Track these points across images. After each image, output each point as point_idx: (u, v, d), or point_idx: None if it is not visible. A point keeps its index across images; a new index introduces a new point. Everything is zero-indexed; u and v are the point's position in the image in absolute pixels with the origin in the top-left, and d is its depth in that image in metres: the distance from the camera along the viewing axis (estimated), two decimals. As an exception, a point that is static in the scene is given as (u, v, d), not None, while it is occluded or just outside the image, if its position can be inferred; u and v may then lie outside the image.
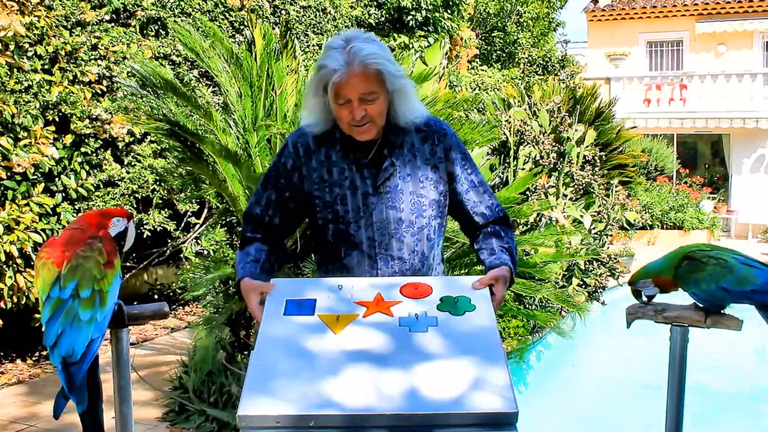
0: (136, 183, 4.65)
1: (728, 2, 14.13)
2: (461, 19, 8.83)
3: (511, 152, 6.12)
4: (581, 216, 6.36)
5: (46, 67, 4.18)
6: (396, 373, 1.26)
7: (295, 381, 1.25)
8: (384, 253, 1.70)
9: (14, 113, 3.89)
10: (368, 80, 1.58)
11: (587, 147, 6.72)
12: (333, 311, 1.43)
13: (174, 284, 5.69)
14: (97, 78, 4.42)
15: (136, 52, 4.69)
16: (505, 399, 1.20)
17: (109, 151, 4.57)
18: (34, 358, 4.69)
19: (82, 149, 4.38)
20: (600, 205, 6.69)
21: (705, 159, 14.77)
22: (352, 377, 1.25)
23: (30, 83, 4.02)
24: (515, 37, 12.68)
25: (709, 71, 13.32)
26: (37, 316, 4.18)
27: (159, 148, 4.76)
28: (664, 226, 11.89)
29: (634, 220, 7.96)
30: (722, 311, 1.97)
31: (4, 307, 3.96)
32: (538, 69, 13.02)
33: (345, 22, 7.07)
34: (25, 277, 3.95)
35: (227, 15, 5.76)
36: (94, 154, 4.46)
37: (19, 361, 4.65)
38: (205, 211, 5.55)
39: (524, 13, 12.96)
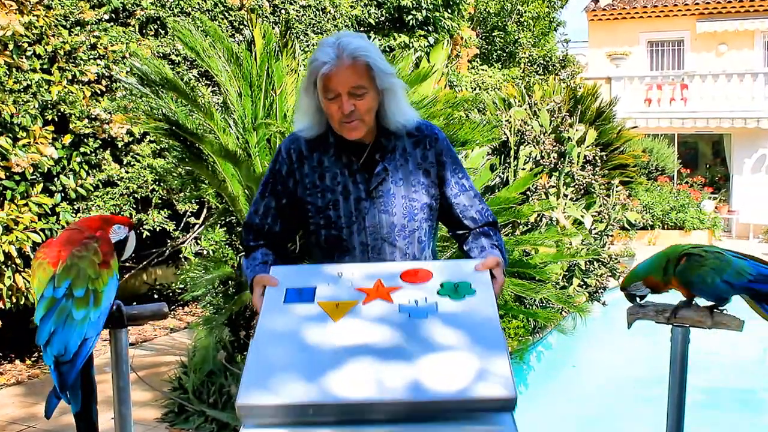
0: (135, 183, 4.64)
1: (729, 2, 14.11)
2: (461, 18, 8.81)
3: (512, 152, 6.11)
4: (582, 216, 6.34)
5: (45, 66, 4.17)
6: (396, 361, 1.25)
7: (294, 371, 1.24)
8: (377, 257, 1.70)
9: (13, 113, 3.89)
10: (357, 74, 1.59)
11: (588, 147, 6.71)
12: (333, 299, 1.42)
13: (173, 284, 5.68)
14: (96, 77, 4.41)
15: (135, 51, 4.68)
16: (505, 385, 1.19)
17: (108, 151, 4.56)
18: (32, 359, 4.68)
19: (81, 149, 4.37)
20: (601, 206, 6.68)
21: (706, 159, 14.75)
22: (351, 367, 1.24)
23: (29, 83, 4.01)
24: (516, 37, 12.67)
25: (710, 71, 13.30)
26: (36, 316, 4.17)
27: (158, 147, 4.75)
28: (665, 226, 11.87)
29: (635, 221, 7.95)
30: (724, 309, 1.97)
31: (2, 307, 3.95)
32: (538, 69, 13.00)
33: (345, 21, 7.06)
34: (24, 278, 3.94)
35: (227, 14, 5.75)
36: (93, 154, 4.45)
37: (17, 361, 4.64)
38: (205, 211, 5.54)
39: (525, 12, 12.94)
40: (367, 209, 1.69)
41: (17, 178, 3.97)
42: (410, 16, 8.01)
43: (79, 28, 4.45)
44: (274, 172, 1.75)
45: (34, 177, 4.06)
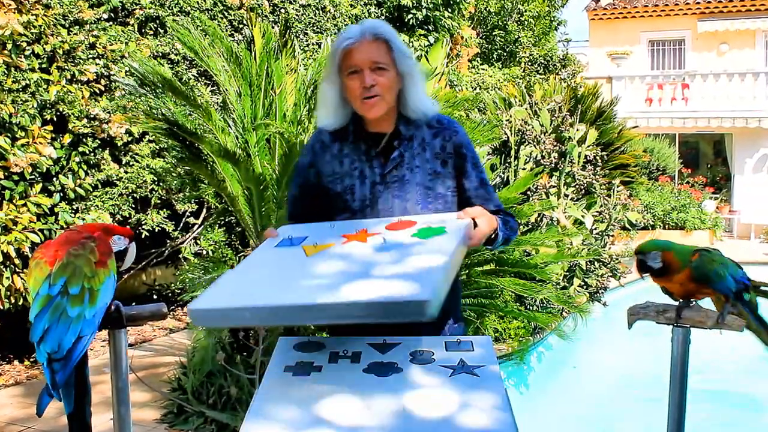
0: (134, 183, 4.63)
1: (730, 1, 14.09)
2: (462, 17, 8.80)
3: (512, 152, 6.10)
4: (582, 216, 6.33)
5: (43, 66, 4.15)
6: (337, 278, 1.31)
7: (246, 284, 1.37)
8: None
9: (12, 113, 3.87)
10: (379, 50, 1.65)
11: (589, 147, 6.69)
12: (315, 243, 1.51)
13: (172, 285, 5.67)
14: (95, 77, 4.40)
15: (134, 50, 4.66)
16: (420, 288, 1.20)
17: (107, 151, 4.55)
18: (31, 360, 4.67)
19: (80, 149, 4.36)
20: (601, 206, 6.66)
21: (707, 159, 14.73)
22: (298, 282, 1.33)
23: (27, 82, 4.00)
24: (516, 36, 12.65)
25: (711, 70, 13.28)
26: (34, 317, 4.16)
27: (157, 147, 4.74)
28: (666, 226, 11.85)
29: (636, 221, 7.93)
30: (735, 305, 1.97)
31: (1, 308, 3.94)
32: (539, 68, 12.99)
33: (344, 20, 7.04)
34: (22, 278, 3.93)
35: (226, 13, 5.74)
36: (92, 154, 4.44)
37: (16, 362, 4.63)
38: (204, 211, 5.53)
39: (525, 11, 12.92)
40: (380, 193, 1.71)
41: (16, 178, 3.96)
42: (410, 16, 8.00)
43: (78, 27, 4.43)
44: (298, 166, 1.84)
45: (33, 177, 4.05)
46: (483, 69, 10.97)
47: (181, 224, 5.42)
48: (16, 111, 3.90)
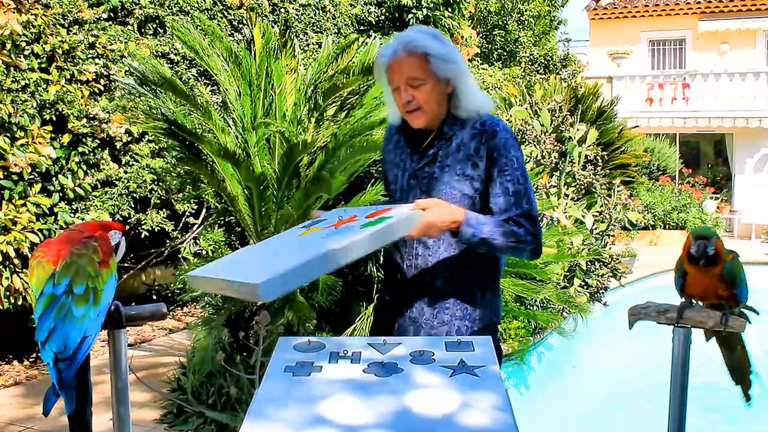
0: (134, 183, 4.62)
1: (731, 1, 14.08)
2: (462, 17, 8.79)
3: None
4: (583, 216, 6.32)
5: (43, 65, 4.15)
6: (274, 248, 1.62)
7: (238, 257, 1.66)
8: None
9: (11, 112, 3.87)
10: (412, 65, 1.71)
11: (589, 146, 6.68)
12: (314, 226, 1.69)
13: (172, 285, 5.66)
14: (94, 77, 4.39)
15: (133, 50, 4.66)
16: (258, 276, 1.37)
17: (106, 151, 4.54)
18: (31, 360, 4.66)
19: (80, 149, 4.35)
20: (602, 205, 6.65)
21: (708, 159, 14.72)
22: (272, 251, 1.59)
23: (27, 82, 3.99)
24: (516, 36, 12.64)
25: (711, 70, 13.27)
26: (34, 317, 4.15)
27: (157, 147, 4.73)
28: (667, 226, 11.85)
29: (637, 221, 7.91)
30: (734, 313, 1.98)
31: (0, 308, 3.93)
32: (539, 68, 12.98)
33: (344, 20, 7.04)
34: (21, 278, 3.92)
35: (226, 13, 5.73)
36: (92, 154, 4.43)
37: (16, 362, 4.63)
38: (204, 211, 5.52)
39: (525, 11, 12.92)
40: (413, 187, 1.81)
41: (15, 178, 3.95)
42: (410, 15, 7.99)
43: (77, 27, 4.43)
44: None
45: (32, 177, 4.04)
46: (483, 69, 10.96)
47: (181, 224, 5.42)
48: (16, 111, 3.90)
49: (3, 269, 3.85)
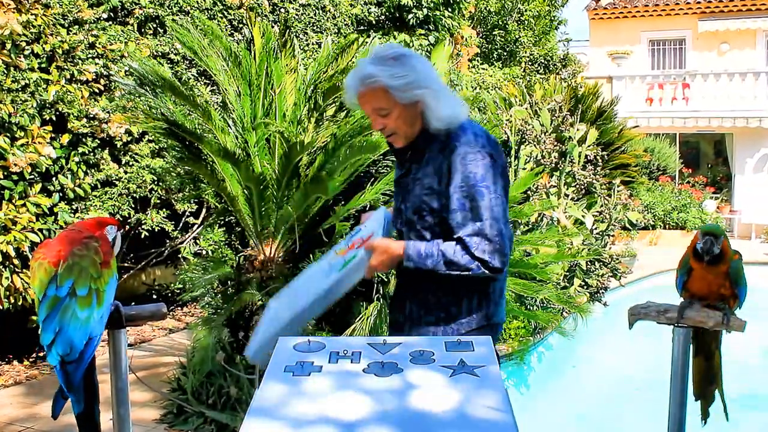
0: (134, 183, 4.62)
1: (731, 0, 14.07)
2: (462, 17, 8.79)
3: (513, 152, 6.09)
4: (583, 216, 6.32)
5: (43, 65, 4.15)
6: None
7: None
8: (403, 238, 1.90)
9: (11, 112, 3.87)
10: (375, 98, 1.76)
11: (589, 146, 6.68)
12: (342, 247, 1.93)
13: (172, 285, 5.66)
14: (94, 77, 4.39)
15: (133, 50, 4.66)
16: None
17: (106, 151, 4.54)
18: (31, 360, 4.66)
19: (80, 149, 4.35)
20: (602, 205, 6.65)
21: (708, 159, 14.71)
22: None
23: (27, 82, 3.99)
24: (516, 36, 12.64)
25: (711, 70, 13.26)
26: (34, 317, 4.14)
27: (157, 147, 4.73)
28: (667, 226, 11.84)
29: (637, 221, 7.91)
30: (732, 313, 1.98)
31: (1, 308, 3.93)
32: (539, 68, 12.98)
33: (344, 20, 7.03)
34: (21, 278, 3.92)
35: (226, 13, 5.73)
36: (92, 154, 4.43)
37: (16, 362, 4.62)
38: (204, 211, 5.52)
39: (525, 11, 12.91)
40: (396, 194, 1.94)
41: (15, 177, 3.95)
42: (410, 15, 7.98)
43: (77, 26, 4.42)
44: None
45: (32, 177, 4.04)
46: (483, 68, 10.96)
47: (181, 224, 5.41)
48: (16, 111, 3.90)
49: (3, 269, 3.85)
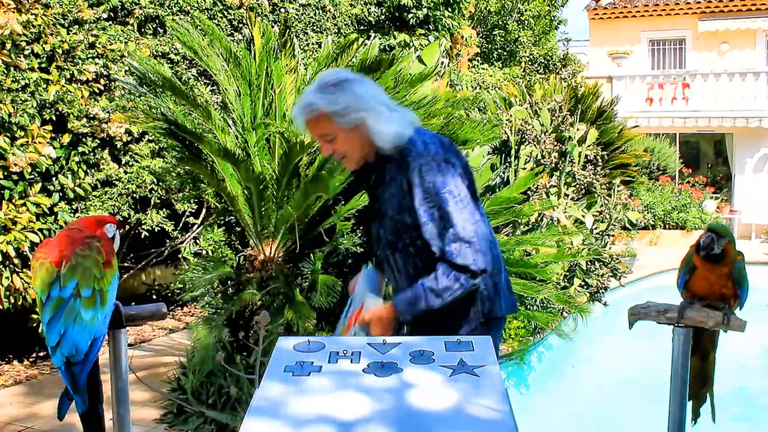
0: (134, 183, 4.62)
1: (731, 0, 14.07)
2: (462, 17, 8.79)
3: (513, 151, 6.09)
4: (583, 216, 6.32)
5: (43, 65, 4.14)
6: None
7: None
8: (384, 266, 1.95)
9: (11, 112, 3.87)
10: (318, 125, 1.80)
11: (589, 146, 6.68)
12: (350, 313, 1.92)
13: (172, 285, 5.66)
14: (94, 77, 4.39)
15: (133, 50, 4.65)
16: None
17: (106, 151, 4.54)
18: (31, 359, 4.66)
19: (80, 148, 4.35)
20: (602, 205, 6.65)
21: (708, 158, 14.71)
22: None
23: (27, 82, 3.99)
24: (516, 36, 12.64)
25: (711, 70, 13.26)
26: (34, 316, 4.15)
27: (157, 147, 4.73)
28: (667, 226, 11.84)
29: (637, 220, 7.92)
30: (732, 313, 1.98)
31: (1, 308, 3.93)
32: (539, 67, 12.98)
33: (344, 20, 7.03)
34: (22, 278, 3.92)
35: (226, 13, 5.73)
36: (92, 154, 4.43)
37: (16, 362, 4.63)
38: (204, 210, 5.52)
39: (525, 11, 12.91)
40: (372, 223, 1.95)
41: (15, 177, 3.95)
42: (410, 15, 7.99)
43: (77, 26, 4.42)
44: None
45: (32, 177, 4.04)
46: (483, 68, 10.96)
47: (181, 224, 5.41)
48: (16, 111, 3.90)
49: (3, 269, 3.85)
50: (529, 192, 5.90)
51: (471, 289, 1.78)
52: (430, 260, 1.79)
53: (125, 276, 5.47)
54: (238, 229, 3.96)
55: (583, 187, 6.54)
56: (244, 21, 5.69)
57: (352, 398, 1.22)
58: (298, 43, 4.45)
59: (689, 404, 2.18)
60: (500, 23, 12.57)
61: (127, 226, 4.83)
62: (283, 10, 6.26)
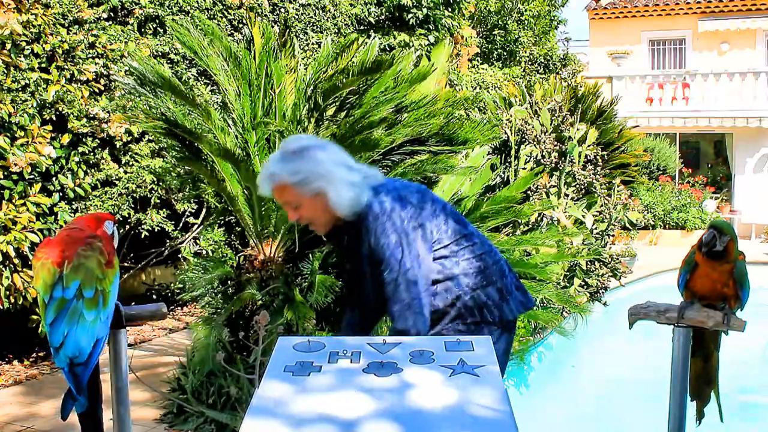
0: (134, 183, 4.62)
1: (731, 0, 14.07)
2: (462, 17, 8.79)
3: (512, 151, 6.09)
4: (583, 216, 6.32)
5: (43, 65, 4.15)
6: None
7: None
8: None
9: (11, 112, 3.87)
10: (283, 193, 1.84)
11: (589, 146, 6.68)
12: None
13: (172, 285, 5.66)
14: (94, 76, 4.39)
15: (133, 50, 4.66)
16: None
17: (106, 151, 4.54)
18: (31, 359, 4.67)
19: (80, 148, 4.35)
20: (602, 205, 6.65)
21: (708, 158, 14.71)
22: None
23: (27, 82, 3.99)
24: (516, 36, 12.64)
25: (712, 70, 13.26)
26: (34, 317, 4.15)
27: (157, 147, 4.73)
28: (667, 226, 11.84)
29: (637, 220, 7.91)
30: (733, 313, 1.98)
31: (1, 307, 3.93)
32: (539, 67, 12.98)
33: (344, 20, 7.04)
34: (22, 278, 3.92)
35: (226, 13, 5.73)
36: (92, 154, 4.43)
37: (16, 362, 4.63)
38: (204, 210, 5.52)
39: (525, 11, 12.91)
40: (358, 283, 1.98)
41: (15, 177, 3.95)
42: (410, 15, 7.98)
43: (77, 26, 4.43)
44: None
45: (32, 177, 4.04)
46: (483, 68, 10.96)
47: (181, 224, 5.42)
48: (16, 110, 3.90)
49: (3, 269, 3.85)
50: (529, 192, 5.90)
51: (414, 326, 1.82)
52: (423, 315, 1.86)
53: (125, 276, 5.48)
54: (238, 229, 3.96)
55: (583, 187, 6.55)
56: (244, 21, 5.69)
57: (352, 398, 1.22)
58: (297, 43, 4.45)
59: (694, 404, 2.18)
60: (500, 23, 12.57)
61: (127, 226, 4.83)
62: (283, 10, 6.26)
